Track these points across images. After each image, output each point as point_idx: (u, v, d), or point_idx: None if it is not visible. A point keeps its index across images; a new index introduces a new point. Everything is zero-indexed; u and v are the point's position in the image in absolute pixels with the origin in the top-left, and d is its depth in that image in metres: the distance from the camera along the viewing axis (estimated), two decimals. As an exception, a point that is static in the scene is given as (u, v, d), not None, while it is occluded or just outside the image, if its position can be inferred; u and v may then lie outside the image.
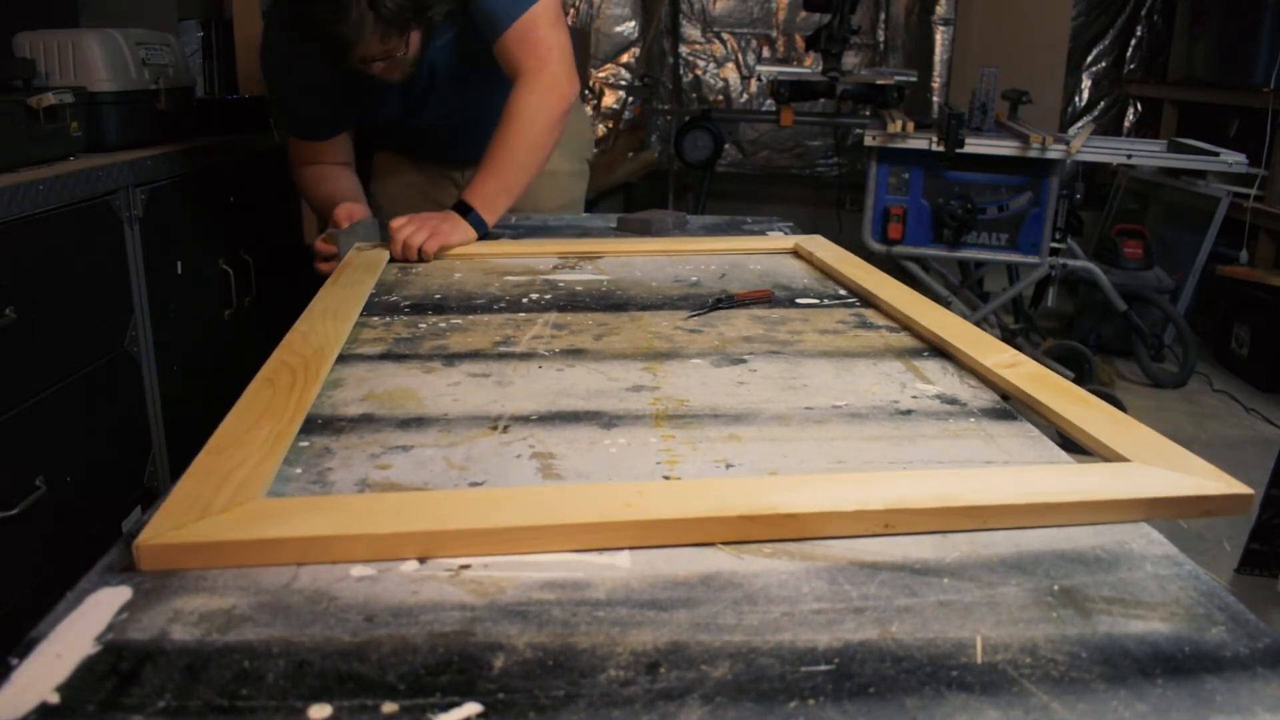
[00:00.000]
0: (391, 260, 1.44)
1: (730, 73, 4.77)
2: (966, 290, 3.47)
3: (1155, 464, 0.72)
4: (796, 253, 1.52)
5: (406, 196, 1.91)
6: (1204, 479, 0.69)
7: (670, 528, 0.63)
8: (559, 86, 1.59)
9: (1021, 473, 0.70)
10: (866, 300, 1.23)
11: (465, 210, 1.53)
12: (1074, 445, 0.82)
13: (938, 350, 1.04)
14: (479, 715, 0.47)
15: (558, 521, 0.62)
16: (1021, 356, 0.96)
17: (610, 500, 0.65)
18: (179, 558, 0.59)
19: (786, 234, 1.67)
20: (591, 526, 0.62)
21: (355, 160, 1.81)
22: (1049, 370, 0.92)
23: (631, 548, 0.62)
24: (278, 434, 0.76)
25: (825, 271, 1.38)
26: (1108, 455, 0.75)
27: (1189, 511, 0.68)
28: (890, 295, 1.18)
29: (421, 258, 1.44)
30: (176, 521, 0.61)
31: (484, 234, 1.54)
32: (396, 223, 1.47)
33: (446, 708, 0.47)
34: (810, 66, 4.10)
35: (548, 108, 1.58)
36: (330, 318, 1.09)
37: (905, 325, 1.12)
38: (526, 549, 0.62)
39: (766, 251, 1.52)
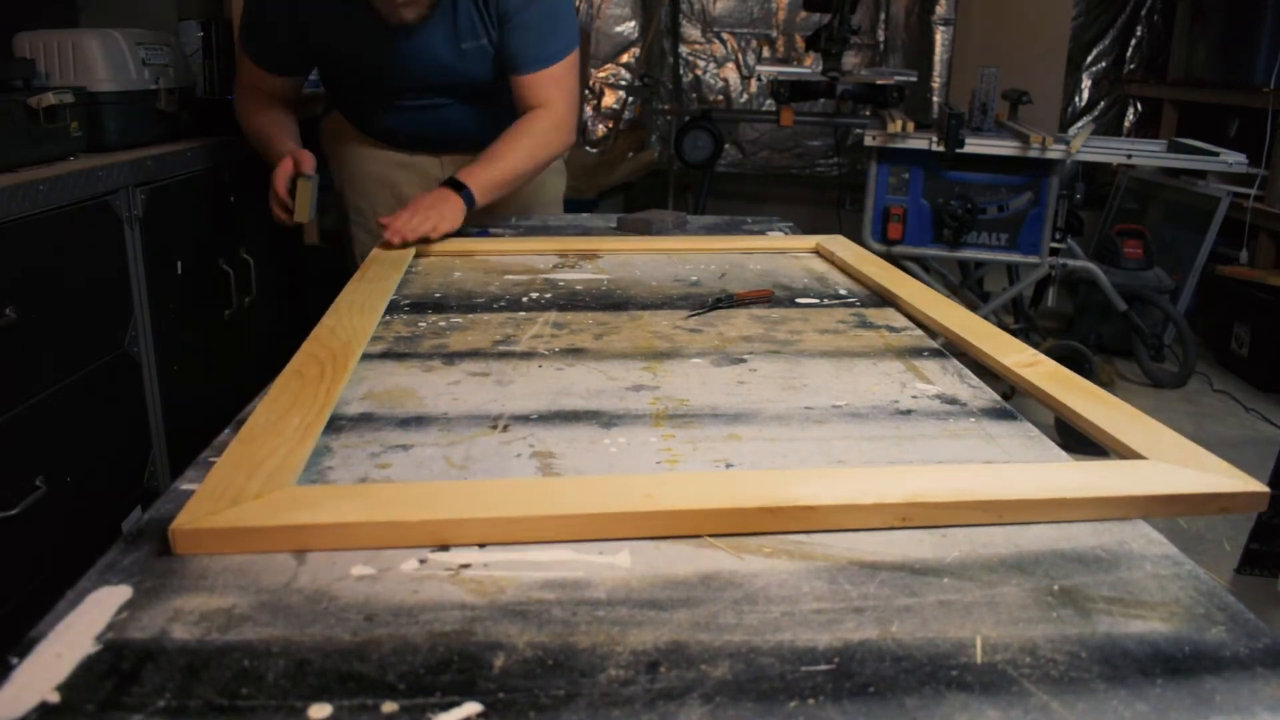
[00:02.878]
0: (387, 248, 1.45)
1: (730, 73, 4.77)
2: (966, 290, 3.47)
3: (1172, 461, 0.73)
4: (818, 252, 1.52)
5: (371, 191, 1.93)
6: (1221, 476, 0.70)
7: (684, 519, 0.63)
8: (564, 134, 1.72)
9: (1042, 470, 0.71)
10: (883, 299, 1.24)
11: (458, 187, 1.55)
12: (1073, 445, 0.82)
13: (947, 349, 1.04)
14: (479, 715, 0.47)
15: (596, 510, 0.63)
16: (1040, 355, 0.97)
17: (632, 491, 0.65)
18: (213, 542, 0.60)
19: (787, 234, 1.67)
20: (609, 517, 0.63)
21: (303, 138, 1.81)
22: (1059, 367, 0.94)
23: (651, 538, 0.63)
24: (307, 425, 0.78)
25: (846, 271, 1.38)
26: (1125, 453, 0.76)
27: (1206, 508, 0.68)
28: (910, 294, 1.20)
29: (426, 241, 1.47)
30: (210, 507, 0.62)
31: (469, 210, 1.57)
32: (398, 217, 1.48)
33: (446, 707, 0.47)
34: (810, 66, 4.10)
35: (551, 143, 1.70)
36: (357, 312, 1.11)
37: (923, 324, 1.13)
38: (568, 536, 0.63)
39: (772, 251, 1.52)
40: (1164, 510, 0.68)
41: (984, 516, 0.65)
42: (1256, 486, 0.69)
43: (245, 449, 0.72)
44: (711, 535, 0.63)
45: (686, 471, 0.73)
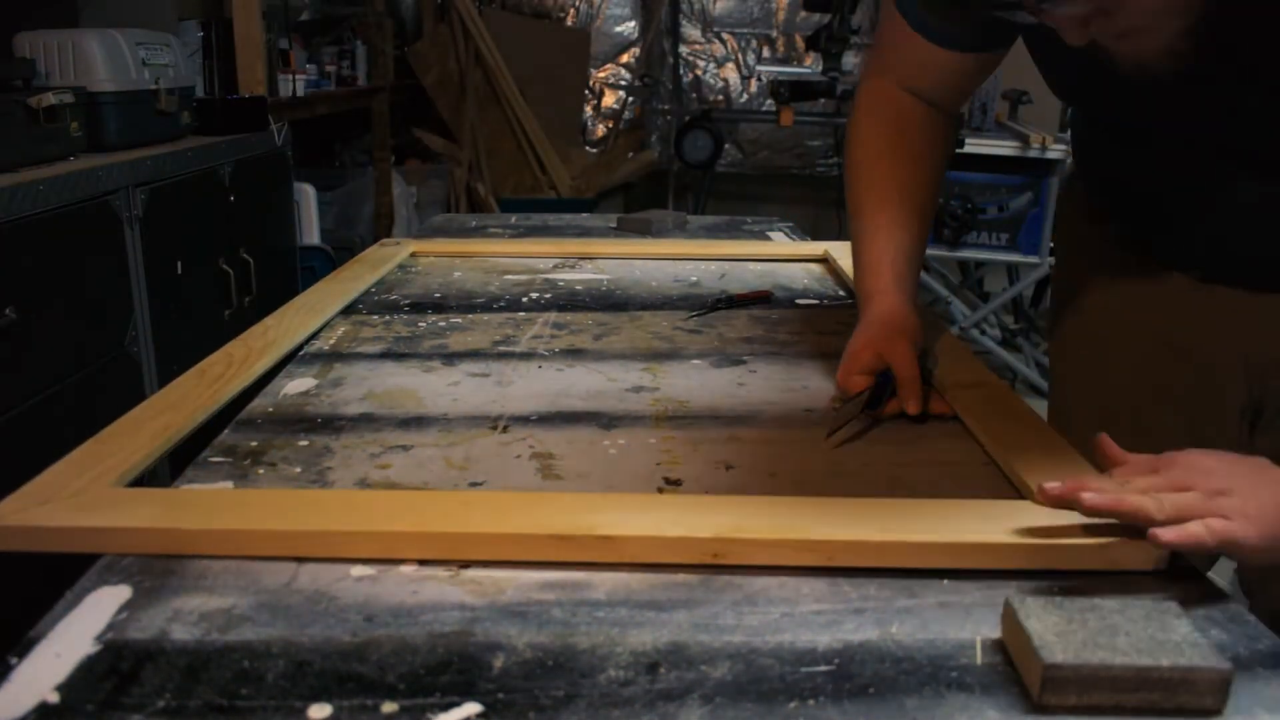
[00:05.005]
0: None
1: (730, 73, 4.76)
2: (966, 290, 3.47)
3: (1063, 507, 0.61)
4: (825, 261, 1.43)
5: (1130, 351, 0.95)
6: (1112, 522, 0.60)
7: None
8: None
9: (890, 507, 0.65)
10: None
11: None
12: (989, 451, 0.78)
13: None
14: (479, 715, 0.47)
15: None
16: (989, 377, 0.88)
17: (429, 511, 0.63)
18: (11, 540, 0.61)
19: (787, 234, 1.67)
20: (383, 535, 0.60)
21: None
22: (1008, 392, 0.85)
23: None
24: (173, 426, 0.76)
25: (843, 281, 1.32)
26: (1022, 490, 0.69)
27: (1090, 561, 0.60)
28: None
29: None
30: (21, 505, 0.63)
31: None
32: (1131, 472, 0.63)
33: (446, 708, 0.47)
34: (810, 66, 4.10)
35: None
36: (305, 312, 1.09)
37: None
38: (350, 553, 0.60)
39: (779, 258, 1.52)
40: (1033, 561, 0.60)
41: (809, 558, 0.59)
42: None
43: (96, 447, 0.72)
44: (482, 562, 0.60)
45: (673, 479, 0.73)
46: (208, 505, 0.64)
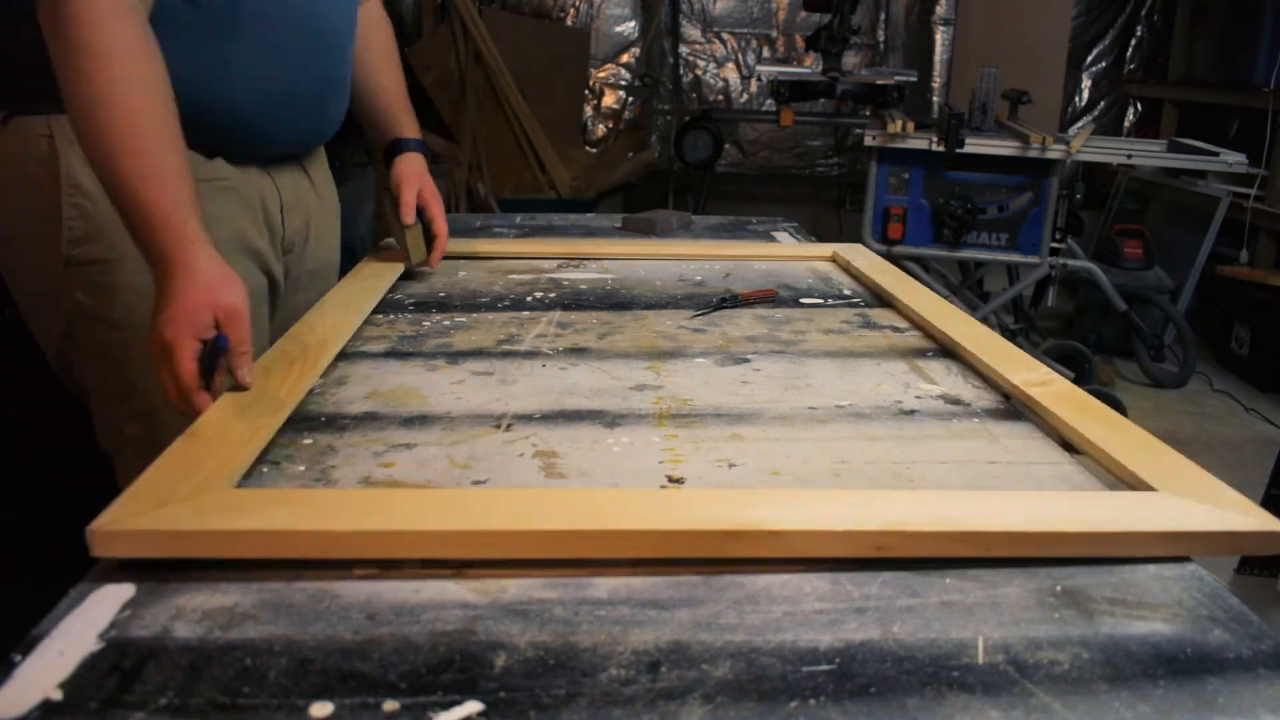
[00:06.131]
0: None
1: (730, 73, 4.76)
2: (966, 290, 3.47)
3: (1184, 494, 0.67)
4: (834, 261, 1.45)
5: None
6: (1235, 513, 0.64)
7: (666, 539, 0.61)
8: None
9: (1037, 500, 0.67)
10: (884, 303, 1.22)
11: (414, 145, 1.36)
12: (1075, 446, 0.80)
13: (944, 351, 1.03)
14: (480, 714, 0.47)
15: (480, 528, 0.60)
16: (1053, 375, 0.91)
17: (582, 508, 0.63)
18: (132, 545, 0.59)
19: (792, 234, 1.67)
20: (546, 535, 0.60)
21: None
22: (1075, 388, 0.88)
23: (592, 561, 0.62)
24: (260, 425, 0.76)
25: (861, 280, 1.33)
26: (1134, 483, 0.71)
27: (1218, 548, 0.63)
28: (918, 304, 1.15)
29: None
30: (135, 508, 0.61)
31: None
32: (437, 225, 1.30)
33: (448, 706, 0.47)
34: (810, 66, 4.10)
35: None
36: (341, 310, 1.09)
37: (932, 335, 1.08)
38: (503, 554, 0.60)
39: (788, 259, 1.52)
40: (1171, 548, 0.62)
41: (969, 549, 0.61)
42: (1274, 525, 0.63)
43: (188, 447, 0.71)
44: (661, 560, 0.60)
45: (674, 478, 0.73)
46: (349, 506, 0.63)
